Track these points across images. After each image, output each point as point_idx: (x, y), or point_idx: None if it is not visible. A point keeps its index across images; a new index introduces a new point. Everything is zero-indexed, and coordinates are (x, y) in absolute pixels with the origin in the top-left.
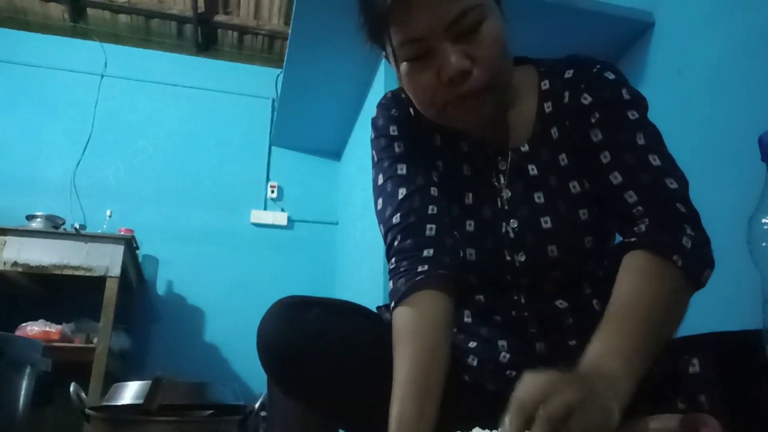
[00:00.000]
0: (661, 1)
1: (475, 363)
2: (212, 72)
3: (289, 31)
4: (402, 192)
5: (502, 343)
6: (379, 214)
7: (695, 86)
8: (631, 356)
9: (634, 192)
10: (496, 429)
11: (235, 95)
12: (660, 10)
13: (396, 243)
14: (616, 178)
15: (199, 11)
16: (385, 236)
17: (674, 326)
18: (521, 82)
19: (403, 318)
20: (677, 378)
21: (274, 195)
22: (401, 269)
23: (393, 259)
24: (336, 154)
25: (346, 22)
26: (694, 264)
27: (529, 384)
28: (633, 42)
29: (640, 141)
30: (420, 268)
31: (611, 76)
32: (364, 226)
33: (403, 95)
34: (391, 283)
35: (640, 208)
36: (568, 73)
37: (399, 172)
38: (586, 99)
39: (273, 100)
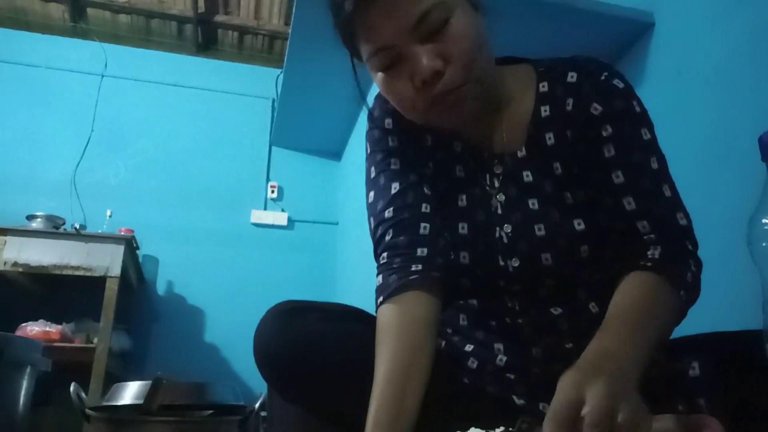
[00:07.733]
0: (661, 1)
1: (474, 365)
2: (212, 72)
3: (289, 31)
4: (395, 186)
5: (498, 346)
6: (370, 207)
7: (695, 86)
8: (636, 344)
9: (648, 222)
10: (495, 430)
11: (235, 95)
12: (660, 10)
13: (388, 238)
14: (630, 203)
15: (199, 11)
16: (375, 229)
17: (664, 342)
18: (516, 81)
19: (387, 316)
20: (677, 380)
21: (274, 195)
22: (394, 265)
23: (385, 254)
24: (336, 154)
25: None
26: (691, 300)
27: (561, 397)
28: (633, 42)
29: (654, 165)
30: (414, 267)
31: (620, 85)
32: (364, 226)
33: None
34: (380, 278)
35: (653, 236)
36: (571, 77)
37: (392, 166)
38: (596, 109)
39: (273, 100)
